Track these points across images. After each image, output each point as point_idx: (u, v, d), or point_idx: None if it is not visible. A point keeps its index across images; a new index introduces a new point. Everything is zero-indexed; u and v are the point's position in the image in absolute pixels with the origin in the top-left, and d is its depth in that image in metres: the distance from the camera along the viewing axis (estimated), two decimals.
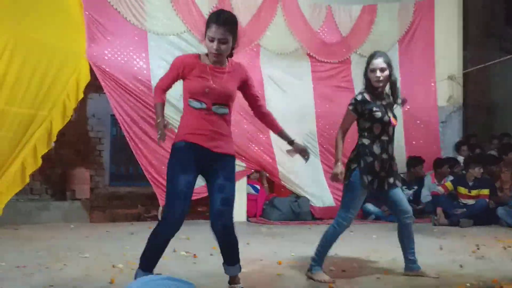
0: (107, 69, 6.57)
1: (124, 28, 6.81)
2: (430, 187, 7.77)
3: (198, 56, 3.37)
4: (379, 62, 3.89)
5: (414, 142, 8.31)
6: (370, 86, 3.93)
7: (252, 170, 7.53)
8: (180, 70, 3.31)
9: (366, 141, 3.90)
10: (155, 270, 3.33)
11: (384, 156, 3.89)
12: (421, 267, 4.04)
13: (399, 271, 4.20)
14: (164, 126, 3.18)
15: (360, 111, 3.89)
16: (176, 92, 6.90)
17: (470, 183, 7.23)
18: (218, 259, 4.55)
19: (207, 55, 3.33)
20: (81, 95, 6.23)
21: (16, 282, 3.73)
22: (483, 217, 7.00)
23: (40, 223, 6.62)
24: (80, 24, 6.39)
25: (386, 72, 3.89)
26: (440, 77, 8.70)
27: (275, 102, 7.68)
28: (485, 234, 6.22)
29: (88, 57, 6.39)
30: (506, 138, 8.79)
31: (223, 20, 3.23)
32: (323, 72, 8.20)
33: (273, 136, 7.51)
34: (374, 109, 3.86)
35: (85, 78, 6.31)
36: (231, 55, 3.40)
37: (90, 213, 7.23)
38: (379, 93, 3.95)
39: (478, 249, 5.18)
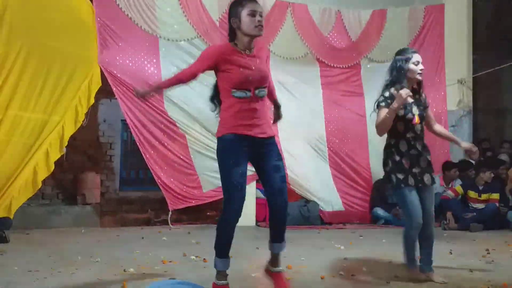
0: (118, 75, 6.63)
1: (135, 34, 6.88)
2: (438, 189, 7.75)
3: (228, 45, 3.41)
4: (418, 56, 3.93)
5: None
6: (405, 80, 3.88)
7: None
8: (213, 60, 3.35)
9: (392, 141, 3.93)
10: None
11: (413, 152, 3.90)
12: (433, 270, 4.06)
13: (409, 276, 4.19)
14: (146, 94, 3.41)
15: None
16: (185, 95, 7.00)
17: (480, 187, 7.21)
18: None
19: (235, 44, 3.39)
20: (93, 101, 6.30)
21: (28, 286, 3.78)
22: (493, 221, 6.98)
23: (51, 228, 6.67)
24: (92, 30, 6.47)
25: (422, 67, 3.94)
26: (450, 81, 8.67)
27: (284, 107, 7.62)
28: (495, 238, 6.19)
29: (100, 63, 6.47)
30: None
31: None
32: (333, 77, 8.21)
33: (282, 140, 7.56)
34: (407, 109, 3.86)
35: (97, 84, 6.39)
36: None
37: (101, 217, 7.28)
38: (419, 90, 3.98)
39: (488, 253, 5.16)
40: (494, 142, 9.28)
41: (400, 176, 3.87)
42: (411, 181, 3.86)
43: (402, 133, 3.89)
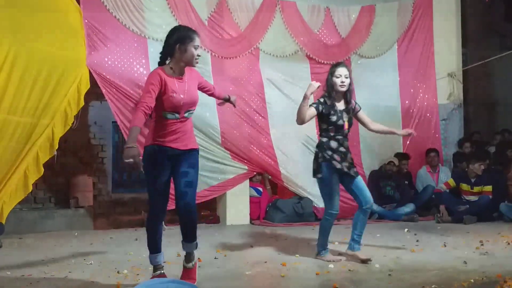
0: (107, 76, 6.59)
1: (123, 35, 6.83)
2: (424, 177, 7.94)
3: (163, 70, 3.66)
4: (343, 70, 4.58)
5: (413, 141, 8.30)
6: (332, 91, 4.58)
7: (254, 173, 7.54)
8: (161, 86, 3.59)
9: (324, 139, 4.59)
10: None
11: (341, 149, 4.57)
12: (360, 249, 4.64)
13: (403, 269, 4.21)
14: (137, 155, 3.40)
15: (320, 111, 4.56)
16: None
17: (472, 180, 7.23)
18: (222, 262, 4.59)
19: (171, 68, 3.66)
20: (82, 103, 6.25)
21: None
22: (486, 213, 7.00)
23: (44, 232, 6.62)
24: (79, 32, 6.42)
25: (348, 80, 4.58)
26: (440, 74, 8.69)
27: (275, 105, 7.71)
28: (489, 230, 6.21)
29: (89, 65, 6.42)
30: (506, 134, 8.80)
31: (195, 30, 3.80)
32: (323, 74, 8.06)
33: (274, 138, 7.56)
34: (331, 112, 4.53)
35: (86, 86, 6.34)
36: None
37: (94, 220, 7.24)
38: (338, 98, 4.61)
39: (482, 245, 5.18)
40: (486, 134, 9.31)
41: (338, 166, 4.50)
42: (345, 169, 4.53)
43: (332, 135, 4.57)
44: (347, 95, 4.62)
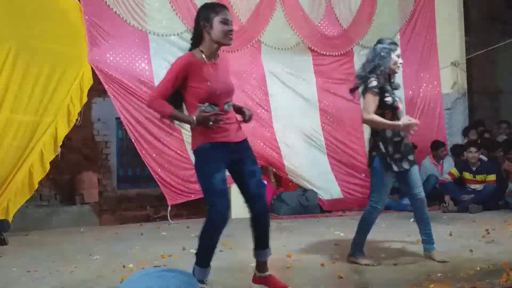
0: (109, 72, 6.59)
1: (124, 30, 6.82)
2: (428, 168, 7.83)
3: (192, 55, 3.28)
4: (399, 50, 4.15)
5: (417, 131, 8.26)
6: (386, 71, 4.06)
7: (259, 166, 7.54)
8: (181, 74, 3.23)
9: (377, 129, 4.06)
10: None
11: (396, 139, 4.02)
12: (434, 249, 4.18)
13: (409, 259, 4.21)
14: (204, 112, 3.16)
15: (380, 95, 4.00)
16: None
17: (474, 168, 7.20)
18: (228, 255, 4.60)
19: (201, 51, 3.29)
20: (85, 99, 6.26)
21: (27, 286, 3.77)
22: (492, 202, 6.98)
23: (50, 229, 6.65)
24: (80, 28, 6.41)
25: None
26: (443, 64, 8.64)
27: (278, 98, 7.69)
28: (495, 218, 6.19)
29: (90, 61, 6.42)
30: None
31: (223, 5, 3.42)
32: (325, 66, 8.17)
33: (277, 131, 7.54)
34: (386, 95, 4.01)
35: (88, 82, 6.35)
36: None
37: (100, 216, 7.27)
38: (390, 79, 4.13)
39: (488, 233, 5.17)
40: (490, 123, 9.26)
41: (385, 162, 4.01)
42: (395, 167, 4.01)
43: (388, 120, 4.01)
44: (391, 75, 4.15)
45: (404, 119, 3.96)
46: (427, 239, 4.20)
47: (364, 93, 4.05)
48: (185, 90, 3.29)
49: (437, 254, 4.14)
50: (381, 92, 3.98)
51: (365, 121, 4.03)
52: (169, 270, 1.21)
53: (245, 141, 3.43)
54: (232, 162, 3.36)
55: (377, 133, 4.06)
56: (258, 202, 3.38)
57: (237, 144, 3.36)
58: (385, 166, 4.01)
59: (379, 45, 4.11)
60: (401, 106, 4.13)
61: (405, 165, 4.03)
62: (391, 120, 4.00)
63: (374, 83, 3.99)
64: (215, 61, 3.32)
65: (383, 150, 4.00)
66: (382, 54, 4.04)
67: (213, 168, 3.25)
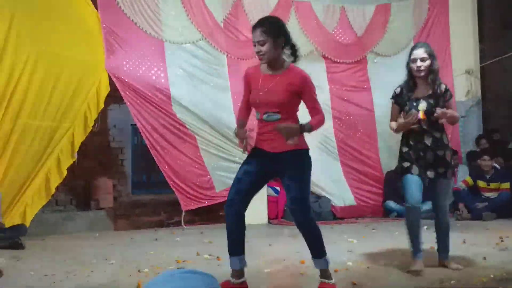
0: (126, 80, 6.69)
1: (141, 38, 6.93)
2: None
3: (258, 66, 3.57)
4: (419, 52, 4.06)
5: None
6: (410, 76, 4.12)
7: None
8: (246, 85, 3.60)
9: (404, 133, 4.15)
10: None
11: (421, 146, 4.02)
12: (448, 259, 4.19)
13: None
14: (243, 137, 3.55)
15: (399, 102, 4.14)
16: (192, 97, 7.05)
17: (488, 176, 7.18)
18: None
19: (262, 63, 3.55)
20: (102, 106, 6.36)
21: None
22: (506, 210, 6.95)
23: (66, 233, 6.73)
24: (98, 36, 6.53)
25: (428, 62, 4.03)
26: (457, 71, 8.64)
27: None
28: (509, 226, 6.17)
29: (107, 69, 6.53)
30: None
31: (256, 24, 3.51)
32: (339, 73, 8.22)
33: None
34: (403, 103, 4.10)
35: (105, 89, 6.45)
36: (293, 60, 3.54)
37: (114, 221, 7.33)
38: (419, 83, 4.10)
39: (502, 241, 5.15)
40: (506, 131, 9.22)
41: (406, 164, 4.07)
42: (415, 170, 4.03)
43: (409, 128, 4.04)
44: (430, 79, 4.07)
45: (413, 113, 3.99)
46: (443, 248, 4.21)
47: (450, 94, 4.18)
48: None
49: (452, 263, 4.15)
50: (399, 100, 4.12)
51: (391, 128, 4.22)
52: (193, 271, 1.26)
53: (286, 153, 3.44)
54: (275, 171, 3.59)
55: (402, 137, 4.18)
56: (293, 216, 3.53)
57: (276, 155, 3.47)
58: (404, 168, 4.14)
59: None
60: (421, 115, 3.98)
61: (429, 174, 4.08)
62: (411, 129, 4.05)
63: (393, 93, 4.19)
64: (273, 73, 3.47)
65: (405, 153, 4.13)
66: (406, 62, 4.17)
67: (244, 163, 3.57)
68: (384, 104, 7.75)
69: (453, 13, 8.70)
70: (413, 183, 4.01)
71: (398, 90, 4.16)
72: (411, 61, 4.09)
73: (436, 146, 4.03)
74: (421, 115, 3.98)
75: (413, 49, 4.15)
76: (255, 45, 3.42)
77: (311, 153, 8.27)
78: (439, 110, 3.93)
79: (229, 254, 3.58)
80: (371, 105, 8.14)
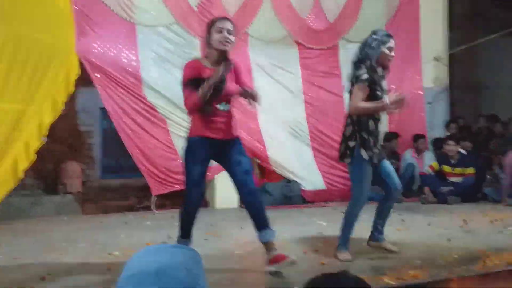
0: (96, 62, 6.59)
1: (112, 21, 6.81)
2: (409, 160, 7.94)
3: (198, 60, 3.78)
4: (393, 42, 4.03)
5: (399, 124, 8.39)
6: (379, 63, 3.97)
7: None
8: (197, 76, 3.64)
9: (363, 118, 3.92)
10: None
11: (376, 132, 4.00)
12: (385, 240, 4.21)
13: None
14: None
15: (372, 87, 3.91)
16: (164, 80, 6.99)
17: (453, 161, 7.35)
18: (212, 243, 4.67)
19: (206, 57, 3.75)
20: (72, 89, 6.25)
21: (14, 273, 3.80)
22: (470, 194, 7.15)
23: (33, 218, 6.65)
24: (68, 18, 6.38)
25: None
26: (426, 58, 8.77)
27: (264, 90, 7.72)
28: (473, 210, 6.34)
29: (77, 51, 6.41)
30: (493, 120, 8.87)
31: (226, 17, 3.91)
32: (311, 59, 8.26)
33: (262, 123, 7.60)
34: (377, 88, 3.93)
35: (75, 72, 6.33)
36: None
37: (83, 206, 7.27)
38: (382, 71, 4.03)
39: (465, 223, 5.30)
40: (471, 117, 9.43)
41: (367, 153, 3.89)
42: (375, 159, 3.94)
43: (372, 114, 3.94)
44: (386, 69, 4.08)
45: (391, 96, 3.83)
46: (382, 230, 4.23)
47: (353, 84, 3.95)
48: None
49: (387, 243, 4.19)
50: (371, 84, 3.88)
51: (352, 111, 3.92)
52: (176, 246, 1.29)
53: (234, 139, 3.79)
54: (219, 154, 3.76)
55: (358, 122, 3.92)
56: (244, 187, 3.72)
57: (226, 141, 3.74)
58: (367, 157, 3.89)
59: (372, 36, 4.02)
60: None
61: (381, 158, 4.03)
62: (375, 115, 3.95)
63: (365, 76, 3.88)
64: (215, 67, 3.65)
65: (366, 140, 3.89)
66: (372, 45, 3.95)
67: (195, 161, 3.71)
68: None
69: (424, 1, 8.80)
70: (370, 177, 3.96)
71: (366, 75, 3.88)
72: (387, 48, 3.97)
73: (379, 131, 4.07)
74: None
75: (389, 36, 4.03)
76: (221, 32, 3.64)
77: (283, 138, 8.35)
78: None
79: (187, 236, 3.90)
80: (341, 91, 8.20)
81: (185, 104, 3.72)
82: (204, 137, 3.69)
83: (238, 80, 3.80)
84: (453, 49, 9.11)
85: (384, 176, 4.06)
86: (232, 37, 3.67)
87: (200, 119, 3.70)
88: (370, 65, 3.92)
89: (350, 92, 3.99)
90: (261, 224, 3.74)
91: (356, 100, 3.87)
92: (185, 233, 3.89)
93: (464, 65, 9.56)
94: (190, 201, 3.81)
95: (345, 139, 3.97)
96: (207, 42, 3.74)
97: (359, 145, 3.90)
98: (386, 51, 3.96)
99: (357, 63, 3.99)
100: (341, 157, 4.00)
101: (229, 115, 3.77)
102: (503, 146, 7.40)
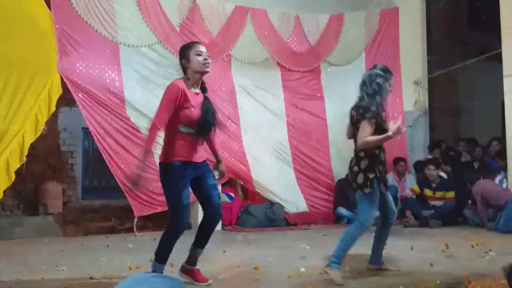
0: (79, 82, 6.57)
1: (95, 40, 6.82)
2: (390, 182, 7.87)
3: (183, 83, 3.78)
4: (392, 79, 4.27)
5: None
6: (381, 97, 4.13)
7: (227, 179, 7.59)
8: (178, 101, 3.68)
9: (376, 151, 4.11)
10: None
11: (382, 161, 4.17)
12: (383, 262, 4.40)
13: (372, 271, 4.33)
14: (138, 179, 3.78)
15: (378, 121, 4.06)
16: (147, 101, 6.97)
17: (434, 185, 7.43)
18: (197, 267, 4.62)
19: (188, 79, 3.81)
20: (54, 108, 6.20)
21: None
22: (451, 217, 7.22)
23: (13, 239, 6.53)
24: (50, 37, 6.37)
25: None
26: (406, 82, 8.90)
27: (247, 111, 7.79)
28: (454, 233, 6.40)
29: (60, 70, 6.38)
30: (473, 142, 8.99)
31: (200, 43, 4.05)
32: (293, 81, 8.33)
33: (246, 144, 7.62)
34: (381, 120, 4.07)
35: (57, 91, 6.29)
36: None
37: (64, 227, 7.17)
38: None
39: (447, 248, 5.35)
40: (451, 141, 9.56)
41: (379, 183, 4.09)
42: (383, 188, 4.15)
43: (382, 144, 4.13)
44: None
45: (391, 126, 3.99)
46: (381, 254, 4.41)
47: (358, 117, 4.11)
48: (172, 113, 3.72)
49: (387, 264, 4.39)
50: (377, 117, 4.03)
51: (363, 146, 4.04)
52: (158, 275, 1.27)
53: (205, 161, 3.96)
54: (196, 178, 3.87)
55: (374, 155, 4.08)
56: (218, 211, 3.94)
57: (200, 163, 3.88)
58: (384, 190, 4.15)
59: (375, 71, 4.20)
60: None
61: (387, 186, 4.25)
62: (381, 146, 4.15)
63: (374, 112, 4.02)
64: (197, 92, 3.83)
65: (378, 172, 4.06)
66: (378, 81, 4.14)
67: (182, 185, 3.77)
68: (337, 112, 7.92)
69: (403, 25, 8.97)
70: (377, 203, 4.11)
71: (374, 108, 4.05)
72: (388, 84, 4.17)
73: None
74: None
75: (391, 73, 4.26)
76: (201, 55, 3.78)
77: (266, 160, 8.39)
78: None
79: (163, 262, 3.96)
80: (323, 114, 8.30)
81: (154, 121, 3.72)
82: (187, 161, 3.76)
83: None
84: (432, 73, 9.26)
85: (386, 206, 4.28)
86: (209, 60, 3.81)
87: (180, 143, 3.75)
88: (380, 101, 4.10)
89: (355, 123, 4.17)
90: (202, 242, 4.00)
91: (365, 135, 4.02)
92: (164, 258, 3.94)
93: (443, 89, 9.72)
94: (180, 226, 3.82)
95: (362, 171, 4.07)
96: (185, 66, 3.82)
97: (378, 178, 4.07)
98: (389, 88, 4.22)
99: (365, 99, 4.12)
100: (360, 187, 4.06)
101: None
102: (471, 175, 7.50)
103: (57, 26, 6.44)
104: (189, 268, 4.03)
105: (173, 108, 3.68)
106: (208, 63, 3.79)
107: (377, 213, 4.18)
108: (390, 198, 4.29)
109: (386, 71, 4.24)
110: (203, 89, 3.91)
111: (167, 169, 3.79)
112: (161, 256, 3.93)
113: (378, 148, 4.12)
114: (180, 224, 3.81)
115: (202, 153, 3.90)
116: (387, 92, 4.21)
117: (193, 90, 3.80)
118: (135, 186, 4.02)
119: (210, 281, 3.95)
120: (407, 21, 9.01)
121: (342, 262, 4.10)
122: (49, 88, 6.24)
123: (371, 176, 4.04)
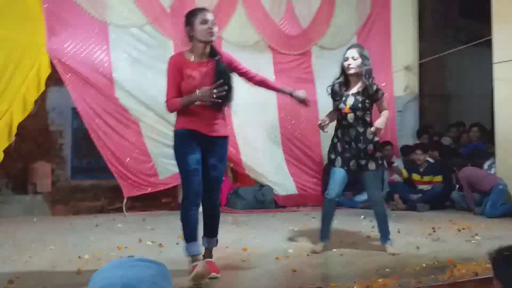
0: (67, 62, 6.51)
1: (84, 20, 6.75)
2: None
3: (182, 55, 3.68)
4: (352, 51, 4.41)
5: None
6: (342, 73, 4.48)
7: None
8: (176, 73, 3.61)
9: (336, 126, 4.51)
10: None
11: (347, 138, 4.39)
12: (388, 243, 4.50)
13: (359, 254, 4.39)
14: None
15: (335, 98, 4.50)
16: (137, 82, 6.93)
17: (421, 169, 7.49)
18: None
19: (190, 51, 3.67)
20: (43, 88, 6.18)
21: None
22: (439, 201, 7.29)
23: (1, 217, 6.53)
24: (39, 17, 6.31)
25: (358, 61, 4.36)
26: (396, 67, 8.92)
27: (238, 93, 7.72)
28: (441, 217, 6.46)
29: (48, 50, 6.33)
30: (461, 127, 9.06)
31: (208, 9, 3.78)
32: (285, 64, 8.31)
33: (236, 127, 7.62)
34: (337, 98, 4.44)
35: (46, 71, 6.26)
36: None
37: (52, 206, 7.17)
38: (351, 81, 4.44)
39: (434, 231, 5.40)
40: (440, 126, 9.62)
41: (332, 156, 4.50)
42: (338, 162, 4.42)
43: (339, 121, 4.46)
44: (363, 77, 4.37)
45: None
46: (382, 234, 4.54)
47: (374, 95, 4.43)
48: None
49: (389, 247, 4.45)
50: (335, 95, 4.56)
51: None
52: (142, 259, 1.27)
53: (221, 138, 3.72)
54: (205, 152, 3.66)
55: (334, 133, 4.51)
56: (210, 194, 3.71)
57: (210, 138, 3.65)
58: (333, 160, 4.53)
59: (365, 50, 4.50)
60: (346, 109, 4.41)
61: (352, 166, 4.49)
62: (341, 120, 4.48)
63: (331, 89, 4.62)
64: (203, 60, 3.66)
65: (332, 144, 4.53)
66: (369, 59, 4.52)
67: (188, 150, 3.59)
68: (326, 96, 7.91)
69: (395, 10, 8.95)
70: (336, 177, 4.42)
71: (331, 87, 4.52)
72: (343, 59, 4.42)
73: (358, 139, 4.36)
74: (346, 109, 4.36)
75: (347, 49, 4.49)
76: (206, 23, 3.60)
77: (257, 143, 8.40)
78: (373, 128, 4.28)
79: (194, 239, 3.64)
80: (314, 97, 8.29)
81: (166, 105, 3.67)
82: (194, 130, 3.61)
83: (237, 70, 3.87)
84: (423, 59, 9.28)
85: (363, 183, 4.65)
86: (216, 28, 3.64)
87: (186, 112, 3.63)
88: (337, 79, 4.57)
89: (372, 102, 4.44)
90: (211, 231, 3.82)
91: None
92: (190, 235, 3.64)
93: (434, 75, 9.74)
94: (190, 190, 3.57)
95: (378, 148, 4.45)
96: (188, 35, 3.67)
97: (329, 150, 4.57)
98: (343, 62, 4.47)
99: (371, 75, 4.42)
100: (389, 164, 4.57)
101: (218, 108, 3.65)
102: (459, 160, 7.56)
103: (46, 5, 6.36)
104: (207, 261, 3.77)
105: (177, 82, 3.60)
106: (213, 32, 3.63)
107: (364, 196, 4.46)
108: (366, 181, 4.45)
109: (347, 48, 4.55)
110: (214, 54, 3.70)
111: (175, 136, 3.71)
112: (186, 233, 3.63)
113: (337, 124, 4.45)
114: (190, 189, 3.56)
115: (216, 127, 3.66)
116: (345, 68, 4.42)
117: (197, 59, 3.65)
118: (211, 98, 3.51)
119: (216, 274, 3.68)
120: (399, 6, 8.99)
121: (325, 236, 4.53)
122: (38, 68, 6.21)
123: (329, 147, 4.52)
